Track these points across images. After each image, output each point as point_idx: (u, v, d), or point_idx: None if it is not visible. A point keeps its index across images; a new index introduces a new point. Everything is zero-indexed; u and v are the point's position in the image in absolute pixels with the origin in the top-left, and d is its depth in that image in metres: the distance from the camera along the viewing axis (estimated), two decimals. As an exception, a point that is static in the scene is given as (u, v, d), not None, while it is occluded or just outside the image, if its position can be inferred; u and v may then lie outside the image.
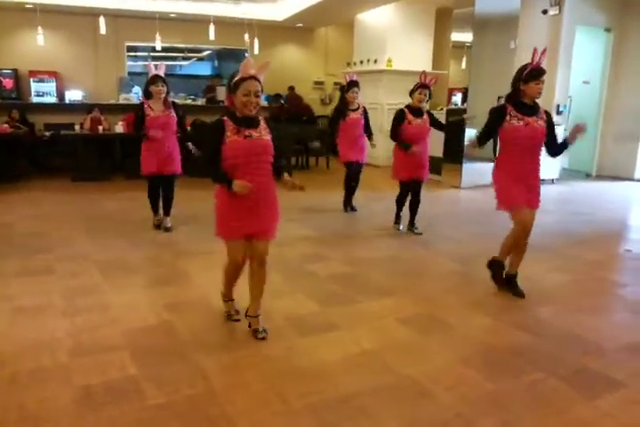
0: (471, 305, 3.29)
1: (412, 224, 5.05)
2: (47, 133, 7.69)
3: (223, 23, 9.66)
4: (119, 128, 7.41)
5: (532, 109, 3.25)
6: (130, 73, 11.10)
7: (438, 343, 2.78)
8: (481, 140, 3.36)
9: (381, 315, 3.13)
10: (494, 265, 3.57)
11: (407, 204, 5.05)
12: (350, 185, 5.81)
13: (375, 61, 8.91)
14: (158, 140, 4.62)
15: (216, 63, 12.66)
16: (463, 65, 8.02)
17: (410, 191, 4.97)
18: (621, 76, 8.19)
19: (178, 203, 5.09)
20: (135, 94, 9.94)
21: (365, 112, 5.63)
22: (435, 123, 4.92)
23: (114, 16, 9.34)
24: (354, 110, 5.56)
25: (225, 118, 2.58)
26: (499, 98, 8.00)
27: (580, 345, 2.79)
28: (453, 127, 7.44)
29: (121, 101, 9.48)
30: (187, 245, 4.51)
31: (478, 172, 7.69)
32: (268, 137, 2.63)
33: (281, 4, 9.20)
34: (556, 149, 3.39)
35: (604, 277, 3.95)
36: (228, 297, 3.01)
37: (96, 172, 7.42)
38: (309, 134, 8.66)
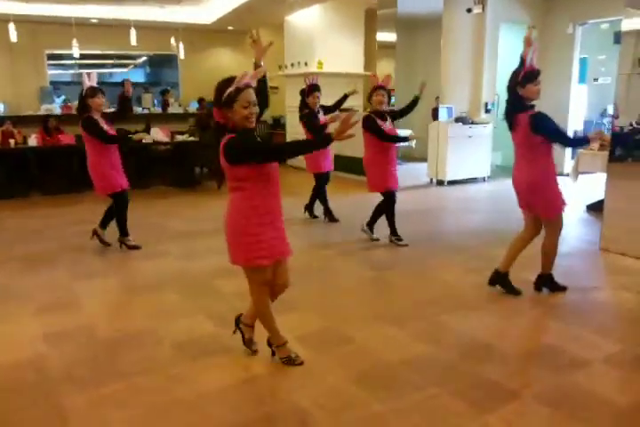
0: (377, 316, 3.14)
1: (394, 234, 4.70)
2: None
3: (148, 28, 9.35)
4: (32, 141, 6.98)
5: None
6: (56, 82, 10.63)
7: (334, 361, 2.61)
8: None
9: (281, 332, 2.93)
10: (505, 279, 3.46)
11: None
12: (324, 196, 5.56)
13: (306, 64, 8.76)
14: (114, 154, 4.31)
15: (148, 70, 12.29)
16: (397, 65, 7.98)
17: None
18: (547, 72, 8.28)
19: (92, 221, 4.73)
20: (58, 105, 9.49)
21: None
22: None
23: (29, 22, 8.86)
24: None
25: (233, 136, 2.24)
26: (437, 98, 8.01)
27: (482, 353, 2.68)
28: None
29: (42, 112, 9.01)
30: (88, 267, 4.19)
31: (409, 173, 7.66)
32: None
33: (207, 7, 8.95)
34: None
35: (522, 278, 3.85)
36: (280, 339, 2.57)
37: (8, 188, 6.96)
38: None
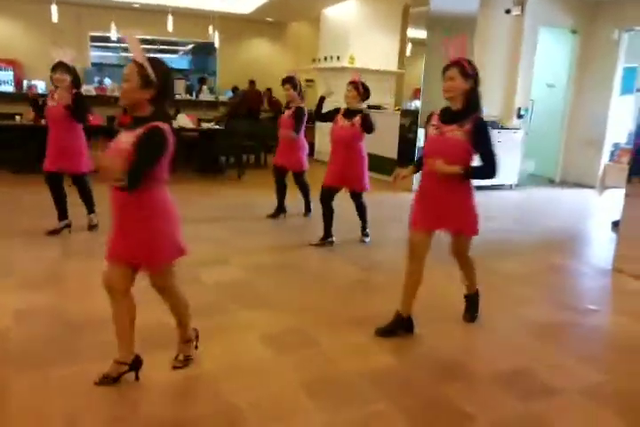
0: (353, 321, 3.02)
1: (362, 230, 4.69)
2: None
3: (187, 15, 9.43)
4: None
5: (455, 116, 2.63)
6: (102, 64, 10.97)
7: (291, 365, 2.52)
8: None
9: (247, 329, 2.87)
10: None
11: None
12: (278, 190, 5.46)
13: (338, 58, 8.65)
14: (52, 133, 4.30)
15: (191, 57, 12.46)
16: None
17: (352, 199, 4.59)
18: (588, 80, 7.91)
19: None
20: (97, 85, 9.75)
21: (296, 113, 5.10)
22: (364, 124, 4.32)
23: (73, 5, 9.09)
24: (288, 109, 5.24)
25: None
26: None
27: (448, 371, 2.54)
28: (407, 128, 7.22)
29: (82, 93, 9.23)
30: (82, 247, 4.24)
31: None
32: (127, 143, 2.04)
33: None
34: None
35: (515, 292, 3.67)
36: (123, 357, 2.26)
37: (38, 164, 7.16)
38: (266, 131, 8.34)
